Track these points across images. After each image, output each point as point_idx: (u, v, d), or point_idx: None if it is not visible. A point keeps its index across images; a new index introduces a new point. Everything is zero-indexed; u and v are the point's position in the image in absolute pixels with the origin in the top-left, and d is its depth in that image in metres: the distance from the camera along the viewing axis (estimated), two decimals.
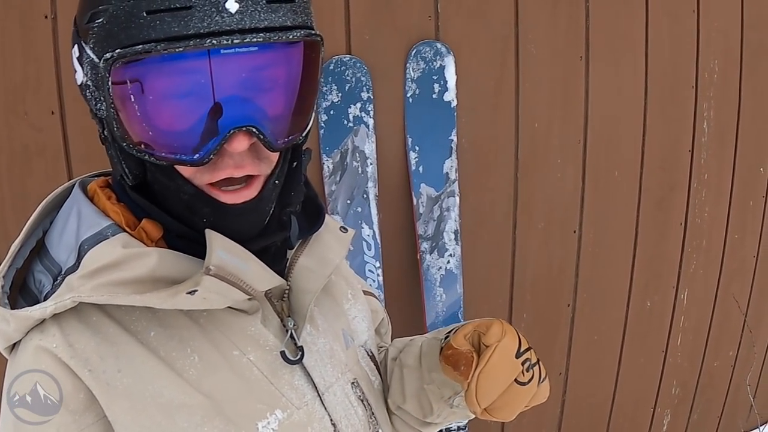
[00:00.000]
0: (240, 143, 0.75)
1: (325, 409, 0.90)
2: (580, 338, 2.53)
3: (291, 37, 0.74)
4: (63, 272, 0.79)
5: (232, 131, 0.74)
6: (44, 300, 0.79)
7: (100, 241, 0.78)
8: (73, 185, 0.89)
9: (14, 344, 0.82)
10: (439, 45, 2.11)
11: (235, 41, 0.70)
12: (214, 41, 0.69)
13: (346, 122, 2.06)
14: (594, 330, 2.55)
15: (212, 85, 0.72)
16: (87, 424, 0.77)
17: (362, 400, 0.97)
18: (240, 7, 0.70)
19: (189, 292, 0.75)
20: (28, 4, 1.75)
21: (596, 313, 2.53)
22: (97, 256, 0.77)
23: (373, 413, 0.99)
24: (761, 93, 2.61)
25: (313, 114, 0.83)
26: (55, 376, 0.77)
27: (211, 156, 0.74)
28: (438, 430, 1.12)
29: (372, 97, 2.07)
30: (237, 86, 0.74)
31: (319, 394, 0.90)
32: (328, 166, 2.06)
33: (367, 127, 2.08)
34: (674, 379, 2.78)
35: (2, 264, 0.83)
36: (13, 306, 0.80)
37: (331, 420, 0.90)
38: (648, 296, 2.60)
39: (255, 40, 0.71)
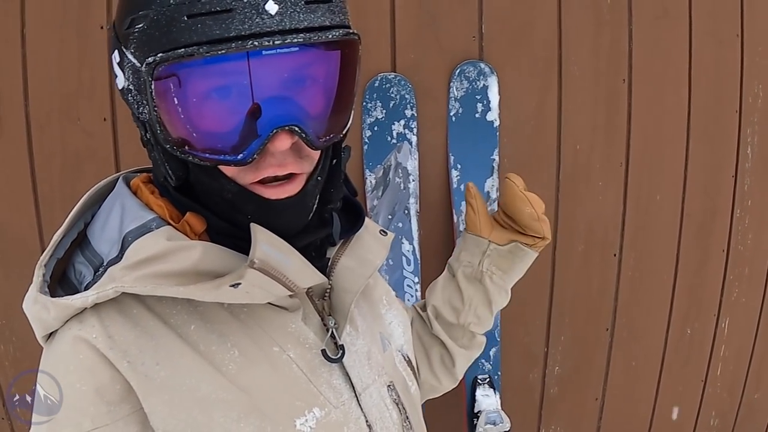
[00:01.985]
0: (282, 142, 0.76)
1: (362, 410, 0.90)
2: (618, 364, 2.49)
3: (330, 36, 0.75)
4: (105, 264, 0.80)
5: (275, 131, 0.75)
6: (85, 290, 0.79)
7: (145, 233, 0.80)
8: (116, 180, 0.91)
9: (51, 333, 0.83)
10: (482, 65, 2.12)
11: (276, 42, 0.71)
12: (255, 43, 0.70)
13: (389, 138, 2.07)
14: (632, 356, 2.51)
15: (253, 85, 0.74)
16: (122, 415, 0.78)
17: (397, 404, 0.97)
18: (279, 9, 0.71)
19: (232, 285, 0.76)
20: (85, 15, 1.81)
21: (635, 339, 2.49)
22: (141, 248, 0.78)
23: (407, 418, 0.99)
24: None
25: (352, 112, 0.84)
26: (88, 369, 0.77)
27: (255, 156, 0.76)
28: (472, 342, 1.25)
29: (416, 115, 2.09)
30: (278, 86, 0.76)
31: (356, 395, 0.90)
32: (370, 181, 2.08)
33: (410, 144, 2.09)
34: (713, 409, 2.72)
35: (44, 253, 0.84)
36: (53, 296, 0.80)
37: (367, 421, 0.90)
38: (688, 323, 2.56)
39: (295, 40, 0.72)
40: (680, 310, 2.53)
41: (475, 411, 2.19)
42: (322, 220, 0.90)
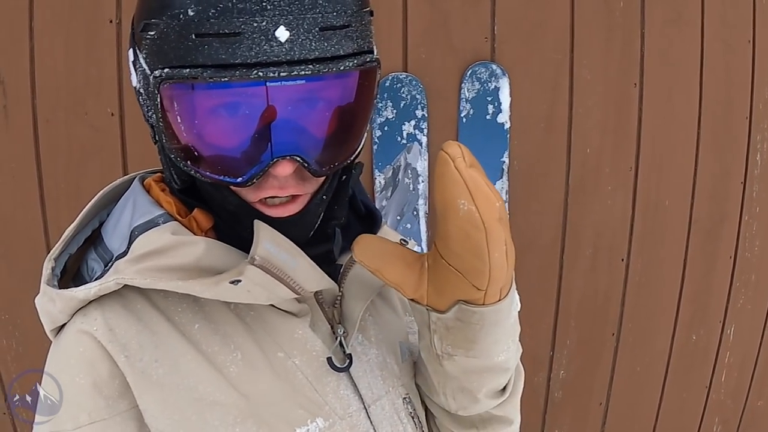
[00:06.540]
0: (284, 169, 0.74)
1: (371, 422, 0.87)
2: (623, 368, 2.48)
3: (342, 68, 0.71)
4: (114, 258, 0.80)
5: (275, 160, 0.73)
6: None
7: (151, 228, 0.79)
8: (132, 179, 0.90)
9: (59, 328, 0.83)
10: (494, 66, 2.11)
11: (281, 74, 0.67)
12: (260, 73, 0.67)
13: (399, 139, 2.06)
14: (637, 361, 2.50)
15: (256, 113, 0.71)
16: (119, 411, 0.77)
17: (413, 417, 0.93)
18: (290, 36, 0.67)
19: (232, 282, 0.74)
20: (94, 8, 1.78)
21: (640, 344, 2.48)
22: (146, 242, 0.77)
23: (423, 431, 0.96)
24: None
25: (365, 136, 0.81)
26: (88, 362, 0.77)
27: (254, 180, 0.74)
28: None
29: (426, 115, 2.07)
30: (282, 115, 0.72)
31: (365, 406, 0.87)
32: (379, 182, 2.06)
33: (420, 144, 2.07)
34: (717, 416, 2.72)
35: (54, 247, 0.84)
36: None
37: None
38: (694, 329, 2.55)
39: (303, 72, 0.68)
40: (686, 316, 2.52)
41: None
42: (324, 236, 0.87)
